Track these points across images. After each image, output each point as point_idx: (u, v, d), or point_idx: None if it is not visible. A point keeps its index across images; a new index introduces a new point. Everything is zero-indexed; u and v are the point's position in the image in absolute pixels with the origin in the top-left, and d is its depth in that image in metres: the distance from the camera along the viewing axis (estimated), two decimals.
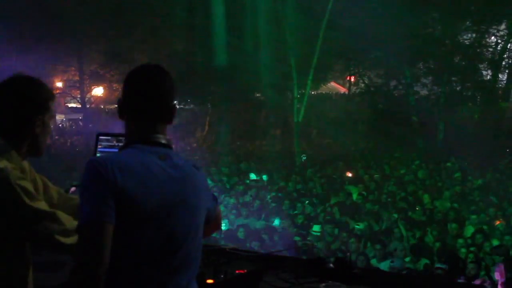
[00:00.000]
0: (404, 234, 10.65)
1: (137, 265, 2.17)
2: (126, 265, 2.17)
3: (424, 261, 9.36)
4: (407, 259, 9.53)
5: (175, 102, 2.44)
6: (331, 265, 3.41)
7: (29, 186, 2.49)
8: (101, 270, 2.06)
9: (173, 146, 2.41)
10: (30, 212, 2.42)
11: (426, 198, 13.70)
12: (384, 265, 9.21)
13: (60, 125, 37.85)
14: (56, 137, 30.11)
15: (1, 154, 2.54)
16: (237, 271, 3.15)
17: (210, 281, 2.90)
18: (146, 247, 2.18)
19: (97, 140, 3.56)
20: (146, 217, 2.17)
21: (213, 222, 2.57)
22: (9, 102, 2.61)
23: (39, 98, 2.64)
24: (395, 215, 11.90)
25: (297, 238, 10.58)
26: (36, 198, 2.48)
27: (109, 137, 3.58)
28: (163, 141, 2.36)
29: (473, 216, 11.71)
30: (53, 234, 2.44)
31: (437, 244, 9.90)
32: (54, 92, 2.80)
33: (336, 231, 11.08)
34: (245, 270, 3.19)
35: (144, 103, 2.35)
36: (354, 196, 14.25)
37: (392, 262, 9.05)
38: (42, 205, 2.49)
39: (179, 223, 2.26)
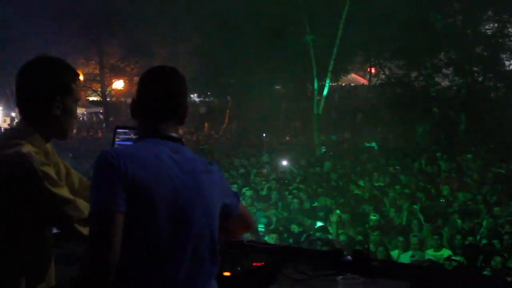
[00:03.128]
0: (423, 226, 10.59)
1: (148, 256, 2.17)
2: (137, 256, 2.17)
3: (447, 252, 9.30)
4: (430, 251, 9.48)
5: (186, 104, 2.49)
6: (349, 257, 3.40)
7: (51, 171, 2.50)
8: (111, 259, 2.07)
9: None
10: (51, 199, 2.43)
11: (446, 189, 13.59)
12: (404, 257, 9.17)
13: (81, 118, 38.16)
14: (74, 130, 30.33)
15: (24, 138, 2.54)
16: (254, 264, 3.14)
17: (227, 273, 2.90)
18: (158, 237, 2.18)
19: (115, 133, 3.58)
20: (158, 207, 2.18)
21: (238, 221, 2.58)
22: (28, 83, 2.60)
23: (57, 78, 2.61)
24: (416, 207, 11.83)
25: (318, 234, 10.53)
26: (58, 184, 2.49)
27: (126, 130, 3.60)
28: (175, 135, 2.39)
29: (496, 209, 11.58)
30: (72, 222, 2.45)
31: (458, 236, 9.83)
32: (79, 74, 2.76)
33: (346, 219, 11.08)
34: (263, 263, 3.19)
35: (157, 103, 2.40)
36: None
37: (412, 256, 9.00)
38: (64, 191, 2.50)
39: (192, 215, 2.26)
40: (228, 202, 2.49)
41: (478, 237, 10.14)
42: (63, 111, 2.63)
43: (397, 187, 13.85)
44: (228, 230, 2.58)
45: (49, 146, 2.70)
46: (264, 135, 27.47)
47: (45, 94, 2.58)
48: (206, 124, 31.15)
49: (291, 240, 9.87)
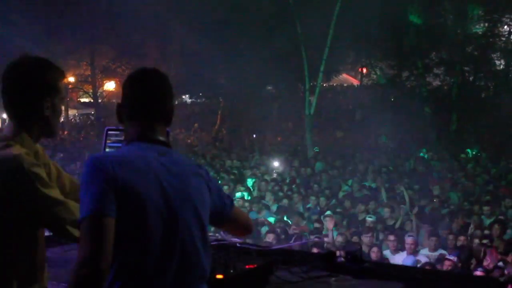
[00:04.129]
0: (415, 225, 10.60)
1: (138, 260, 2.17)
2: (128, 260, 2.16)
3: (439, 251, 9.31)
4: (423, 251, 9.48)
5: (172, 104, 2.49)
6: (342, 259, 3.39)
7: (42, 172, 2.48)
8: (103, 264, 2.06)
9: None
10: (43, 200, 2.42)
11: (436, 189, 13.62)
12: (399, 258, 9.16)
13: (73, 120, 38.04)
14: (66, 132, 30.25)
15: (14, 139, 2.53)
16: (247, 266, 3.13)
17: (219, 276, 2.89)
18: (148, 242, 2.18)
19: (106, 134, 3.56)
20: (147, 211, 2.18)
21: (233, 224, 2.59)
22: (16, 85, 2.57)
23: (47, 79, 2.60)
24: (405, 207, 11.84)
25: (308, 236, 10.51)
26: (50, 186, 2.48)
27: (118, 132, 3.58)
28: (162, 139, 2.38)
29: (485, 207, 11.62)
30: (64, 224, 2.42)
31: (450, 237, 9.84)
32: (64, 71, 2.75)
33: (344, 223, 11.06)
34: (256, 265, 3.17)
35: (142, 107, 2.39)
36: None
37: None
38: (55, 193, 2.48)
39: (182, 218, 2.26)
40: (220, 204, 2.49)
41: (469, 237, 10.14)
42: (52, 111, 2.62)
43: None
44: (227, 232, 2.58)
45: (39, 147, 2.69)
46: (254, 135, 27.44)
47: (35, 96, 2.57)
48: (195, 125, 31.14)
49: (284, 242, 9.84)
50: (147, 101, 2.40)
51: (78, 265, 2.05)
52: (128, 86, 2.44)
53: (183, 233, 2.25)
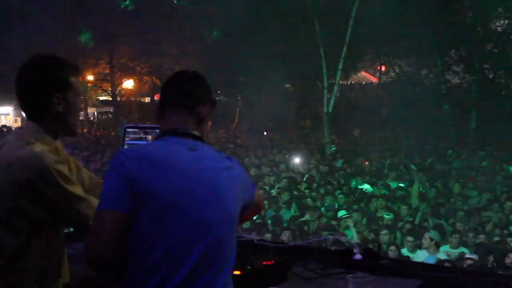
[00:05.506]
0: (431, 224, 10.53)
1: (161, 255, 2.17)
2: (148, 256, 2.17)
3: (461, 249, 9.24)
4: (443, 248, 9.40)
5: (206, 101, 2.50)
6: (359, 255, 3.38)
7: (65, 169, 2.51)
8: (105, 253, 2.13)
9: (204, 138, 2.45)
10: (67, 197, 2.45)
11: (457, 187, 13.51)
12: (418, 256, 9.10)
13: (92, 118, 38.29)
14: (85, 130, 30.42)
15: (34, 137, 2.54)
16: (264, 262, 3.13)
17: (237, 272, 2.89)
18: (172, 237, 2.18)
19: (125, 132, 3.58)
20: (167, 207, 2.18)
21: (253, 208, 2.59)
22: (26, 84, 2.60)
23: (55, 74, 2.60)
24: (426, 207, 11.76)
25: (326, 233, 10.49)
26: (73, 182, 2.51)
27: (136, 129, 3.60)
28: (194, 132, 2.39)
29: (510, 203, 11.52)
30: (88, 221, 2.44)
31: (470, 234, 9.76)
32: (77, 67, 2.75)
33: (364, 220, 11.02)
34: (273, 261, 3.17)
35: (175, 101, 2.43)
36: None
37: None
38: (78, 190, 2.51)
39: (209, 213, 2.24)
40: (248, 196, 2.49)
41: (488, 234, 10.06)
42: (66, 107, 2.63)
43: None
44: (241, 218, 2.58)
45: (58, 143, 2.70)
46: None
47: (43, 93, 2.58)
48: (209, 124, 31.17)
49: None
50: (180, 96, 2.43)
51: (85, 255, 2.15)
52: (165, 85, 2.51)
53: (210, 228, 2.23)
